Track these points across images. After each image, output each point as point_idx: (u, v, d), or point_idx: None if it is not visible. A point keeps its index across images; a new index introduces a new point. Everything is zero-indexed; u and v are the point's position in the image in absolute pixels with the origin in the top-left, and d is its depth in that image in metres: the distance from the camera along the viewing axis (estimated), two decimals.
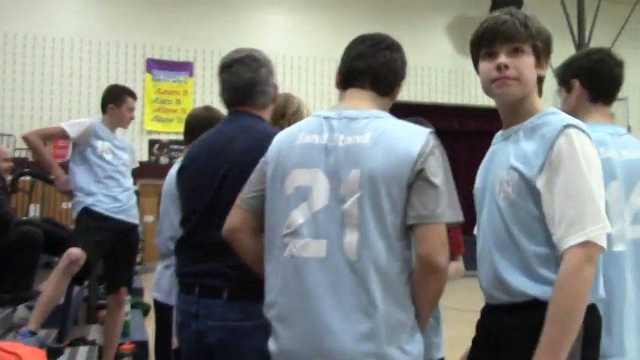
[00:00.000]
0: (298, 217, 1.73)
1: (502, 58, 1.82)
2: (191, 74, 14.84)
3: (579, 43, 14.12)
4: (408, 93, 15.91)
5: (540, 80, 1.91)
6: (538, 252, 1.72)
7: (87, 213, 4.22)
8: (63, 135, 4.31)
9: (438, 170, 1.72)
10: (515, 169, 1.77)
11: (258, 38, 15.19)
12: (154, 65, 14.61)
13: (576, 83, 2.30)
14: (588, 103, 2.30)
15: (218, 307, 2.06)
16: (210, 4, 14.98)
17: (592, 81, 2.30)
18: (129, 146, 4.71)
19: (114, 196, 4.33)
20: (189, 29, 14.76)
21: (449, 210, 1.70)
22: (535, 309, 1.67)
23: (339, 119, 1.79)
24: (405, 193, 1.69)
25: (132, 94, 4.61)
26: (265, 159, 1.87)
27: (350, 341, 1.64)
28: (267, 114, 2.33)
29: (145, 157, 14.40)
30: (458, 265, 2.90)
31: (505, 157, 1.84)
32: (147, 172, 14.39)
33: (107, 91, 4.64)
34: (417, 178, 1.69)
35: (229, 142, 2.17)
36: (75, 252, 4.01)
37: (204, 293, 2.10)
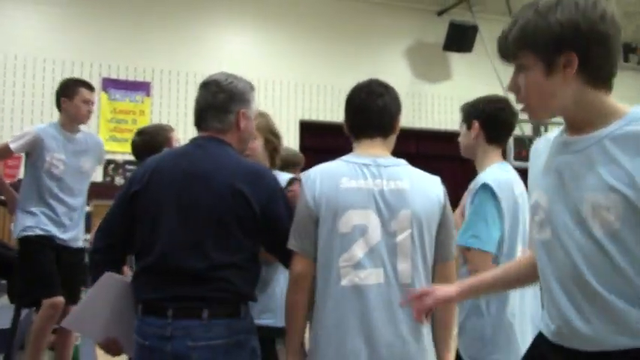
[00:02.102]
0: (358, 251, 2.06)
1: (510, 81, 1.74)
2: (148, 94, 14.68)
3: None
4: None
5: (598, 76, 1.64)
6: None
7: (27, 238, 4.04)
8: (8, 151, 4.12)
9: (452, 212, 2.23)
10: (619, 192, 1.48)
11: (219, 59, 15.16)
12: (110, 84, 14.42)
13: (476, 124, 2.69)
14: (484, 142, 2.69)
15: (198, 328, 2.09)
16: (169, 23, 14.91)
17: (490, 125, 2.68)
18: (94, 144, 4.43)
19: (57, 219, 4.13)
20: (146, 49, 14.64)
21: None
22: None
23: (376, 167, 2.15)
24: (435, 231, 2.15)
25: (86, 85, 4.34)
26: (308, 203, 2.11)
27: (410, 352, 2.05)
28: (230, 139, 2.34)
29: (99, 178, 14.12)
30: None
31: (593, 175, 1.54)
32: (101, 193, 14.14)
33: (59, 84, 4.38)
34: (443, 219, 2.16)
35: (205, 172, 2.21)
36: (50, 303, 3.83)
37: (180, 314, 2.12)
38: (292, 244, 2.15)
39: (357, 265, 2.06)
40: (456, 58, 17.74)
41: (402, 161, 2.24)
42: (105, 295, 2.33)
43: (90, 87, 4.33)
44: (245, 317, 2.21)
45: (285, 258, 2.29)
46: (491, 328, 2.49)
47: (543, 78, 1.61)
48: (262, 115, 2.97)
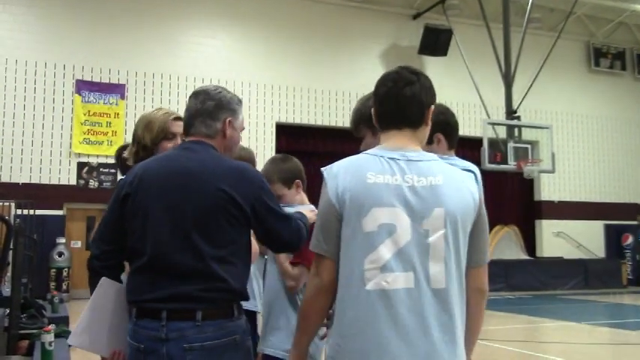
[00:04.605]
0: (385, 252, 1.88)
1: None
2: (123, 96, 14.56)
3: (506, 73, 14.66)
4: (342, 119, 16.10)
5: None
6: None
7: None
8: None
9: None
10: None
11: (194, 61, 15.10)
12: (84, 86, 14.26)
13: (440, 136, 2.72)
14: (447, 150, 2.76)
15: (191, 329, 2.10)
16: (144, 25, 14.81)
17: (451, 133, 2.77)
18: None
19: None
20: (121, 50, 14.52)
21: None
22: None
23: (405, 161, 1.97)
24: (469, 232, 1.98)
25: None
26: (331, 201, 1.95)
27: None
28: (216, 145, 2.38)
29: (73, 181, 13.97)
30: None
31: None
32: (75, 196, 14.01)
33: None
34: (479, 218, 2.00)
35: (191, 171, 2.25)
36: None
37: (174, 316, 2.11)
38: (317, 246, 1.98)
39: (384, 268, 1.88)
40: (431, 62, 17.85)
41: (434, 155, 2.07)
42: (105, 303, 2.32)
43: None
44: (239, 317, 2.21)
45: (279, 247, 2.42)
46: None
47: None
48: (171, 115, 3.00)
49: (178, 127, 2.76)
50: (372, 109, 2.12)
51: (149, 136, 2.78)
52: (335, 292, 1.95)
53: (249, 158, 3.54)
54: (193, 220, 2.17)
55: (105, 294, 2.31)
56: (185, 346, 2.09)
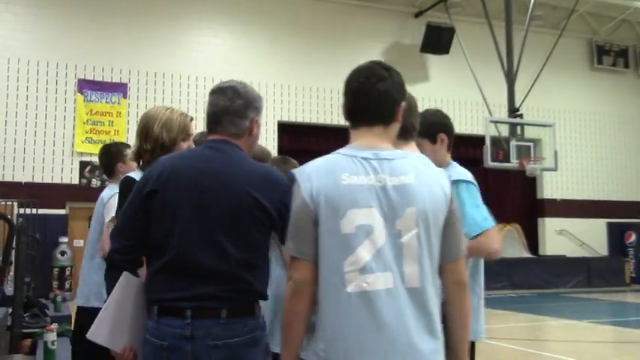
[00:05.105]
0: (364, 254, 1.88)
1: None
2: (125, 95, 14.57)
3: (508, 71, 14.64)
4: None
5: None
6: None
7: None
8: None
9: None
10: None
11: (196, 60, 15.10)
12: (86, 86, 14.28)
13: (444, 136, 2.87)
14: (446, 151, 2.92)
15: (216, 327, 2.13)
16: (145, 24, 14.81)
17: (451, 135, 2.91)
18: None
19: None
20: (123, 50, 14.52)
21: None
22: None
23: (377, 160, 1.96)
24: (442, 228, 1.98)
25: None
26: (305, 202, 1.93)
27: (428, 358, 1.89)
28: (242, 144, 2.38)
29: (75, 180, 13.99)
30: None
31: None
32: (77, 195, 14.02)
33: (106, 152, 4.23)
34: (450, 215, 1.99)
35: (222, 173, 2.26)
36: None
37: (199, 314, 2.13)
38: (290, 247, 1.98)
39: (364, 269, 1.88)
40: (433, 60, 17.83)
41: (407, 153, 2.07)
42: (124, 299, 2.30)
43: (130, 146, 4.32)
44: (259, 315, 2.26)
45: None
46: None
47: None
48: (187, 116, 2.99)
49: (193, 129, 2.84)
50: (342, 105, 2.10)
51: (168, 136, 2.78)
52: (313, 295, 1.94)
53: (262, 158, 3.54)
54: (221, 221, 2.19)
55: (125, 289, 2.31)
56: (210, 343, 2.12)
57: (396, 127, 2.09)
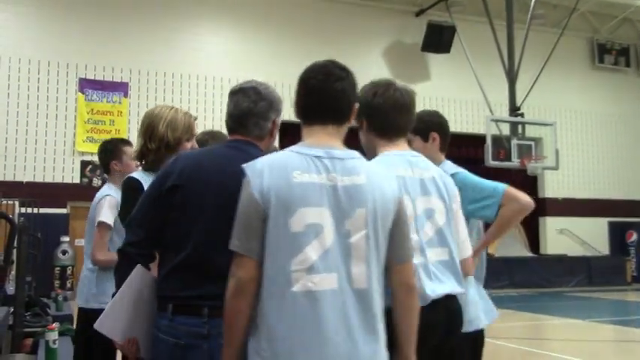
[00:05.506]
0: (312, 253, 1.86)
1: None
2: (126, 94, 14.58)
3: (509, 70, 14.62)
4: None
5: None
6: None
7: None
8: (109, 229, 3.77)
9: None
10: None
11: (197, 59, 15.10)
12: (87, 85, 14.29)
13: (436, 135, 2.96)
14: (439, 151, 3.00)
15: None
16: (146, 23, 14.82)
17: (445, 135, 3.02)
18: None
19: None
20: (124, 49, 14.53)
21: None
22: None
23: (329, 159, 1.95)
24: (390, 229, 1.98)
25: (129, 143, 4.13)
26: (255, 199, 1.90)
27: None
28: (263, 146, 2.39)
29: (76, 179, 14.00)
30: None
31: None
32: (79, 195, 14.02)
33: (101, 150, 4.04)
34: (399, 215, 2.00)
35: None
36: None
37: (216, 313, 2.10)
38: (235, 244, 1.92)
39: (311, 269, 1.86)
40: (434, 59, 17.81)
41: (357, 153, 2.04)
42: (135, 292, 2.29)
43: (130, 143, 4.20)
44: None
45: None
46: None
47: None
48: (191, 116, 2.98)
49: (196, 129, 2.83)
50: (296, 101, 2.09)
51: (172, 135, 2.78)
52: (255, 293, 1.90)
53: None
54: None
55: (136, 282, 2.30)
56: None
57: (345, 128, 2.09)
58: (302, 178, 1.90)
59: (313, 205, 1.89)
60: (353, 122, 2.15)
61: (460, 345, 2.46)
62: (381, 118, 2.45)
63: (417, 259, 2.23)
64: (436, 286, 2.27)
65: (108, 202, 3.70)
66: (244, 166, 1.98)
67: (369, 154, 2.49)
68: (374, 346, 1.90)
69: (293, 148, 1.99)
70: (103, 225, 3.69)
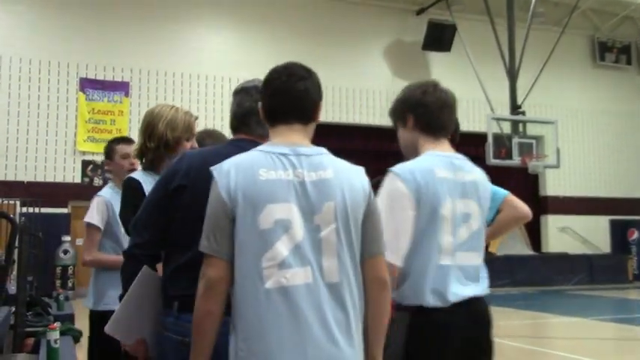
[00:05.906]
0: (282, 249, 1.87)
1: None
2: (127, 94, 14.59)
3: (510, 68, 14.62)
4: (345, 115, 16.08)
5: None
6: None
7: None
8: (97, 229, 3.76)
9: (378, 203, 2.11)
10: None
11: (198, 59, 15.10)
12: (88, 85, 14.30)
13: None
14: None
15: None
16: (147, 23, 14.82)
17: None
18: None
19: None
20: (125, 48, 14.54)
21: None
22: None
23: (296, 156, 1.97)
24: (361, 222, 1.98)
25: (124, 141, 4.01)
26: (223, 199, 1.91)
27: (343, 356, 1.88)
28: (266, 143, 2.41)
29: (77, 179, 14.01)
30: None
31: None
32: (80, 194, 14.03)
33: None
34: (369, 209, 2.00)
35: None
36: None
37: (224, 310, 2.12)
38: (204, 245, 1.93)
39: (283, 264, 1.87)
40: (435, 58, 17.80)
41: (324, 150, 2.06)
42: (141, 293, 2.30)
43: (128, 141, 4.09)
44: None
45: None
46: None
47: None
48: (192, 115, 2.96)
49: (196, 128, 2.81)
50: (260, 103, 2.11)
51: (172, 134, 2.78)
52: (226, 293, 1.91)
53: None
54: None
55: (144, 284, 2.30)
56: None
57: (312, 127, 2.11)
58: (268, 176, 1.92)
59: (280, 201, 1.90)
60: (391, 122, 2.22)
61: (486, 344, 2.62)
62: (429, 115, 2.47)
63: (446, 261, 2.28)
64: (460, 289, 2.30)
65: (95, 203, 3.69)
66: (212, 168, 1.99)
67: (408, 153, 2.54)
68: (349, 341, 1.90)
69: (259, 147, 2.01)
70: (87, 226, 3.68)
